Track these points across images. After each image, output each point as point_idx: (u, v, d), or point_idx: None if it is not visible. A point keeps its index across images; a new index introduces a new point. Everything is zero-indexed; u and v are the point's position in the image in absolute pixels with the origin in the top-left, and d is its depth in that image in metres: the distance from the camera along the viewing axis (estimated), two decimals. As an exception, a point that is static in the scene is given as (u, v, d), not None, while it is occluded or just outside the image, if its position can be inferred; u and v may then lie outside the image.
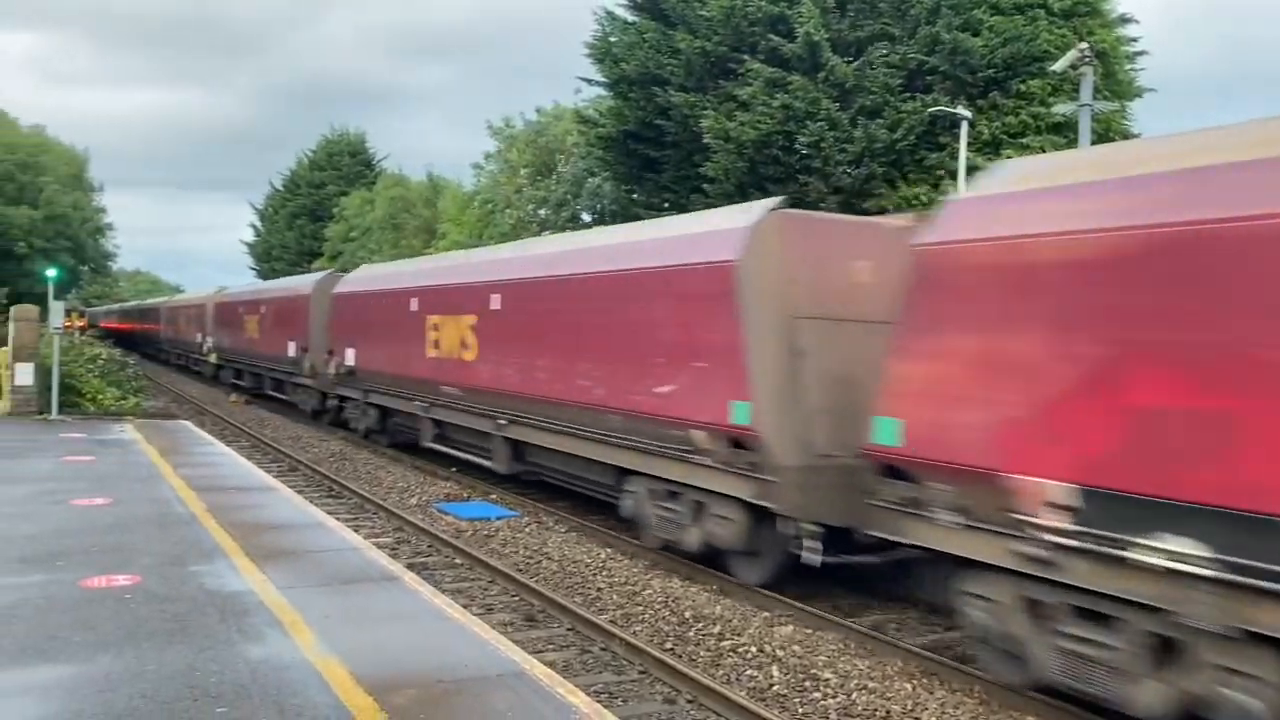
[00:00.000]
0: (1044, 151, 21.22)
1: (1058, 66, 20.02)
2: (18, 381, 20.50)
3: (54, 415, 20.39)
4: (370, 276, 22.43)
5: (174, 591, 7.67)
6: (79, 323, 44.41)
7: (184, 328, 45.43)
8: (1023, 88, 23.02)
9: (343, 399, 22.82)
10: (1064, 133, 22.29)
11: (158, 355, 56.02)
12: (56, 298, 22.70)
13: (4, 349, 22.09)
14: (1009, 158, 21.11)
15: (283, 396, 28.39)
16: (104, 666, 5.99)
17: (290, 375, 26.90)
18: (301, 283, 27.74)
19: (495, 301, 15.19)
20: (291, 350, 26.05)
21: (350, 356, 21.31)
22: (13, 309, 21.35)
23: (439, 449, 17.64)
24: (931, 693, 7.57)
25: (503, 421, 14.81)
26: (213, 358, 37.34)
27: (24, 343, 20.49)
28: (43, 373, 20.81)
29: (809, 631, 9.04)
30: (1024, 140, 22.53)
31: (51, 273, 30.23)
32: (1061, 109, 21.01)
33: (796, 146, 23.57)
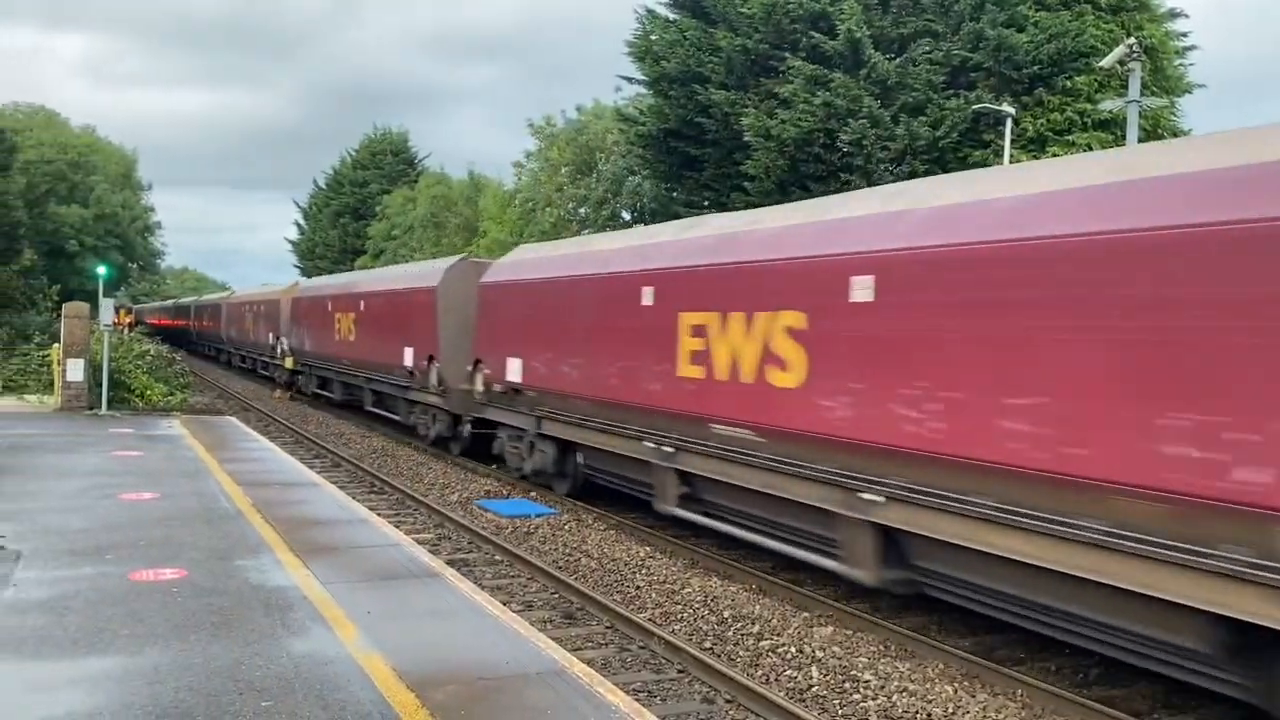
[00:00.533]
0: (1090, 148, 20.93)
1: (1105, 62, 19.72)
2: (69, 377, 20.92)
3: (104, 410, 20.79)
4: (548, 260, 16.04)
5: (220, 585, 7.79)
6: (126, 319, 44.86)
7: (252, 326, 40.56)
8: (1068, 84, 22.71)
9: (491, 425, 17.47)
10: (1111, 129, 21.96)
11: (216, 356, 53.03)
12: (105, 295, 23.15)
13: (56, 345, 22.55)
14: (1054, 154, 20.84)
15: (391, 415, 23.13)
16: (152, 659, 6.10)
17: (404, 390, 21.41)
18: (424, 271, 21.68)
19: (860, 288, 8.83)
20: (408, 358, 20.63)
21: (514, 369, 15.89)
22: (64, 306, 21.78)
23: (690, 518, 11.67)
24: (973, 695, 7.50)
25: (870, 498, 8.66)
26: (288, 362, 33.00)
27: (75, 339, 20.89)
28: (92, 368, 21.21)
29: (849, 632, 9.00)
30: (1070, 137, 22.23)
31: (101, 270, 30.83)
32: (1108, 105, 20.68)
33: (838, 144, 23.42)
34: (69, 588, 7.59)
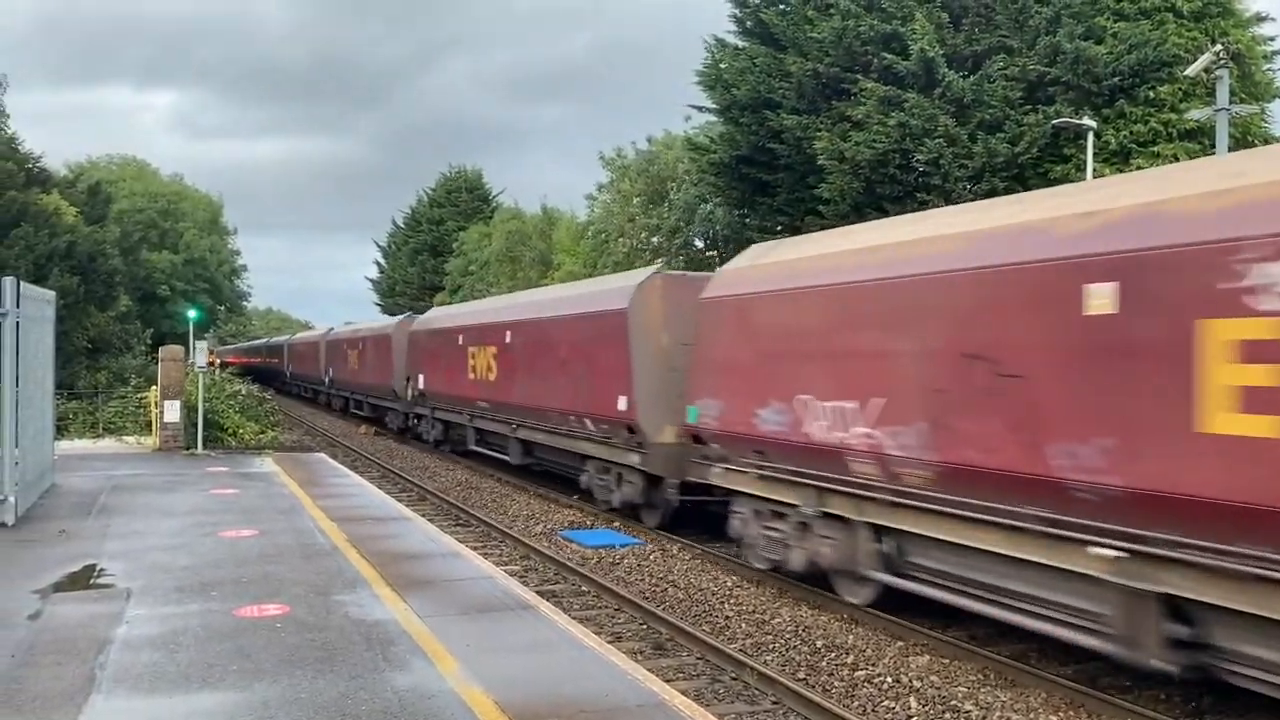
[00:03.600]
0: (1177, 159, 20.42)
1: (1190, 71, 19.27)
2: (166, 418, 21.63)
3: (199, 450, 21.45)
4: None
5: (321, 620, 7.96)
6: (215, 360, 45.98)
7: (357, 363, 35.45)
8: (1151, 94, 22.23)
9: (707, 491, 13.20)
10: (1198, 139, 21.40)
11: (315, 399, 49.72)
12: (196, 337, 23.93)
13: (153, 387, 23.36)
14: (1140, 167, 20.38)
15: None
16: (261, 694, 6.26)
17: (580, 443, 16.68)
18: (607, 290, 16.21)
19: None
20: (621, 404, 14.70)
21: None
22: (161, 349, 22.56)
23: None
24: (1081, 727, 7.28)
25: None
26: (412, 400, 27.69)
27: (171, 381, 21.63)
28: (187, 409, 21.91)
29: (946, 661, 8.83)
30: (1155, 148, 21.72)
31: (192, 313, 31.83)
32: (1195, 114, 20.18)
33: (914, 164, 23.25)
34: (178, 624, 7.83)
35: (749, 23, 28.39)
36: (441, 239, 62.99)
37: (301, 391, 53.54)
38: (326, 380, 42.76)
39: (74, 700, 6.12)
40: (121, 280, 39.13)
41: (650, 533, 14.82)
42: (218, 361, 50.66)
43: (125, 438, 24.08)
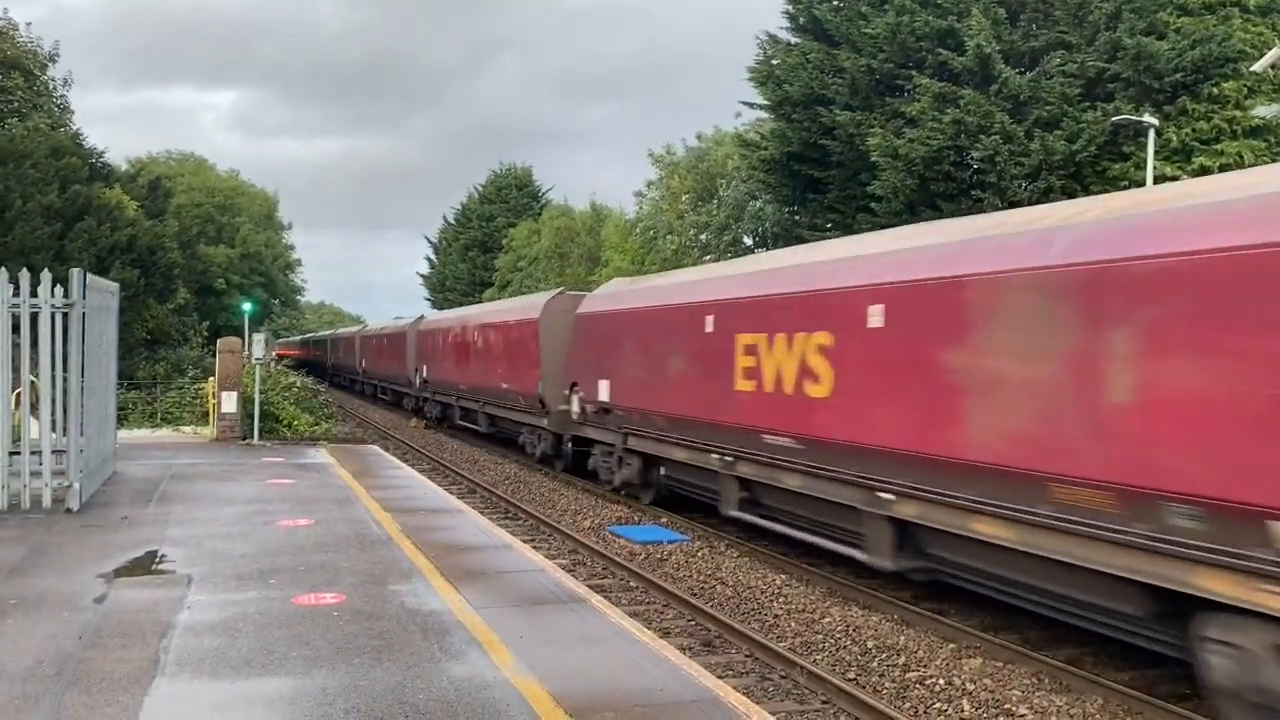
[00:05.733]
0: (1241, 157, 19.96)
1: (1257, 67, 18.84)
2: (224, 409, 22.03)
3: (255, 440, 21.82)
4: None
5: (377, 609, 8.07)
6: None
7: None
8: (1215, 91, 21.73)
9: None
10: (1264, 136, 20.90)
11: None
12: (251, 330, 24.31)
13: (210, 379, 23.80)
14: (1202, 165, 19.95)
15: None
16: (320, 681, 6.36)
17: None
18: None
19: None
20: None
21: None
22: (219, 341, 22.98)
23: None
24: (1140, 734, 7.17)
25: None
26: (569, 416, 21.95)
27: (229, 373, 22.02)
28: (243, 400, 22.30)
29: (999, 664, 8.73)
30: (1219, 146, 21.24)
31: (247, 306, 32.42)
32: (1262, 111, 19.72)
33: (969, 161, 22.98)
34: (238, 611, 7.99)
35: (802, 19, 28.24)
36: (491, 235, 63.46)
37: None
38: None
39: (139, 683, 6.27)
40: (180, 273, 39.90)
41: (698, 529, 14.84)
42: (276, 355, 51.76)
43: (182, 427, 24.57)
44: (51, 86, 39.05)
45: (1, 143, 31.89)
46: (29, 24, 53.68)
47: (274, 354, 28.39)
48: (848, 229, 24.91)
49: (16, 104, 37.06)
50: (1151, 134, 20.63)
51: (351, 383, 55.40)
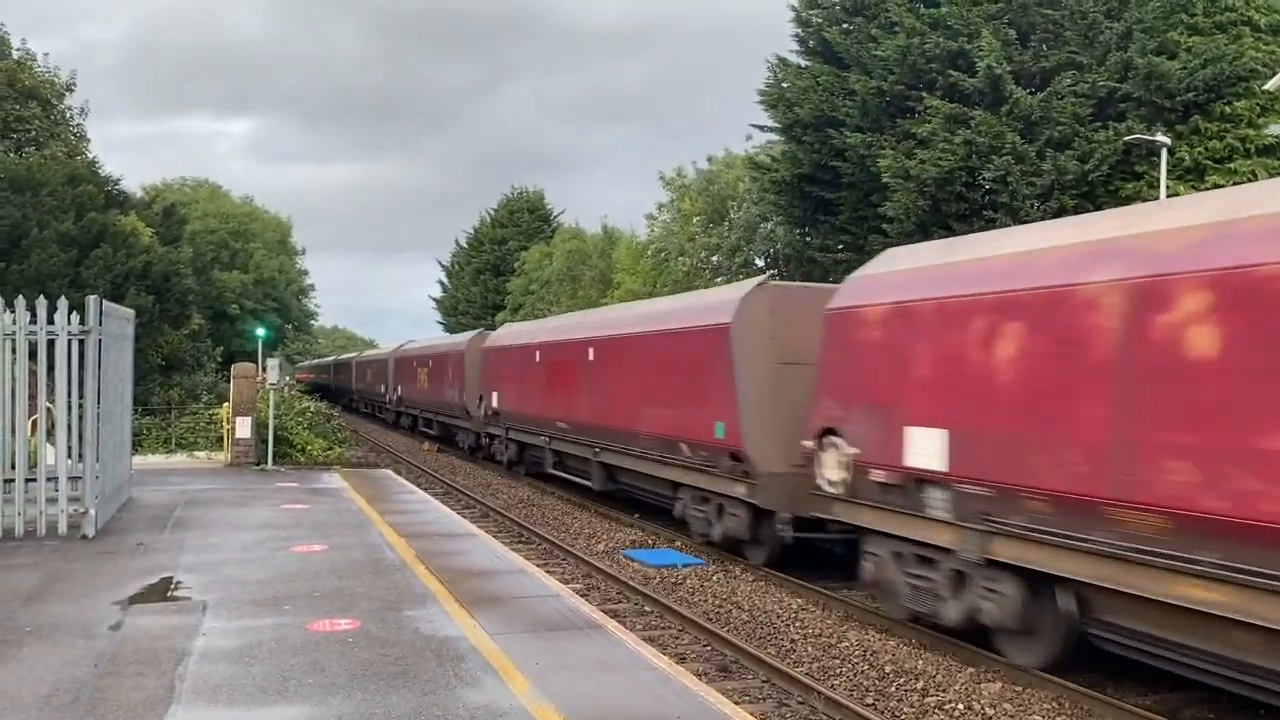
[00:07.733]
0: (1255, 176, 19.90)
1: (1270, 85, 18.81)
2: (238, 434, 22.09)
3: (269, 465, 21.85)
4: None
5: (392, 636, 8.04)
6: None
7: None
8: (1227, 109, 21.72)
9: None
10: (1277, 154, 20.85)
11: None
12: (265, 355, 24.43)
13: (225, 404, 23.88)
14: (1215, 184, 19.90)
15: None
16: (335, 708, 6.33)
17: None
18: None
19: None
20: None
21: None
22: (234, 367, 23.07)
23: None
24: (1163, 760, 7.07)
25: None
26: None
27: (243, 398, 22.09)
28: (257, 425, 22.35)
29: (1019, 689, 8.64)
30: (1231, 165, 21.20)
31: (261, 332, 32.51)
32: (1276, 129, 19.67)
33: (981, 182, 22.97)
34: (253, 638, 7.97)
35: (812, 41, 28.38)
36: (503, 259, 63.68)
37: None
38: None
39: (155, 711, 6.25)
40: (195, 299, 40.07)
41: (712, 553, 14.74)
42: (292, 381, 51.22)
43: (196, 453, 24.63)
44: (68, 115, 39.44)
45: (19, 171, 32.17)
46: (46, 54, 54.37)
47: (293, 379, 26.49)
48: (859, 250, 24.91)
49: (34, 133, 37.43)
50: (1164, 153, 20.59)
51: (380, 409, 47.56)
